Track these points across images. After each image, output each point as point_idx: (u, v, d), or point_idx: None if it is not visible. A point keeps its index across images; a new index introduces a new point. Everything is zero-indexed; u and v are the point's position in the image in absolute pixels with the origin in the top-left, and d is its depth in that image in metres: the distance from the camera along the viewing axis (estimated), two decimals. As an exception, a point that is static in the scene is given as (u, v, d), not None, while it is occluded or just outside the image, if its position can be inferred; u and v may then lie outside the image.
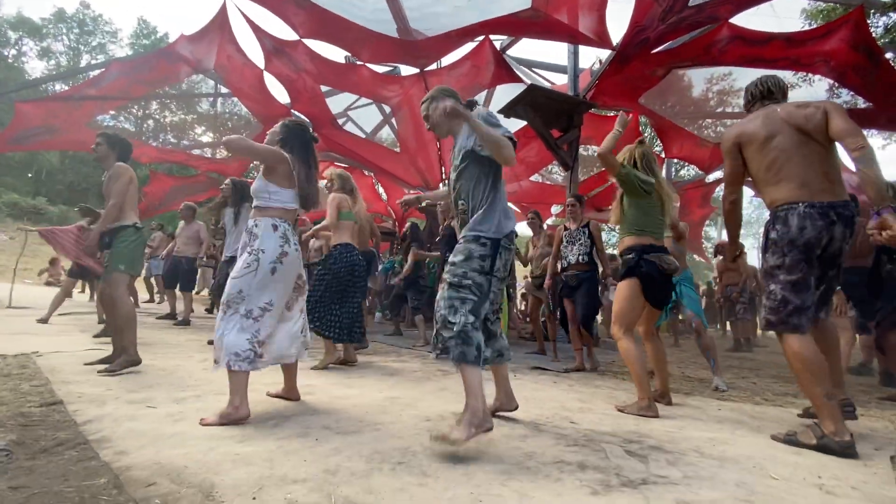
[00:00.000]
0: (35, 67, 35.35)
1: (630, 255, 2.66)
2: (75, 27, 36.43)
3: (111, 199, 3.11)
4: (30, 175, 29.28)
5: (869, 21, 6.55)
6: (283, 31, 6.19)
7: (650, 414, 2.45)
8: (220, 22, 6.16)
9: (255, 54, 6.74)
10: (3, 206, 22.58)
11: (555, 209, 12.59)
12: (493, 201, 1.98)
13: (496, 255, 1.92)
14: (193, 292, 6.98)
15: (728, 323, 7.70)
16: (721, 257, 7.15)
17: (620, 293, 2.69)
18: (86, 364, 3.05)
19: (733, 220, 2.40)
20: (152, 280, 9.71)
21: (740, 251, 6.64)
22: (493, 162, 1.97)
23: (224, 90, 8.80)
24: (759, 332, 8.16)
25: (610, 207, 3.04)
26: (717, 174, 10.83)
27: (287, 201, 2.26)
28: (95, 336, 4.42)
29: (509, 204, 2.07)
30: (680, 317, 6.45)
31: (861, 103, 5.89)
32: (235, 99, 8.83)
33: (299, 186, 2.29)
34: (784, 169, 2.04)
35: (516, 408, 2.27)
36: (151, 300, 10.04)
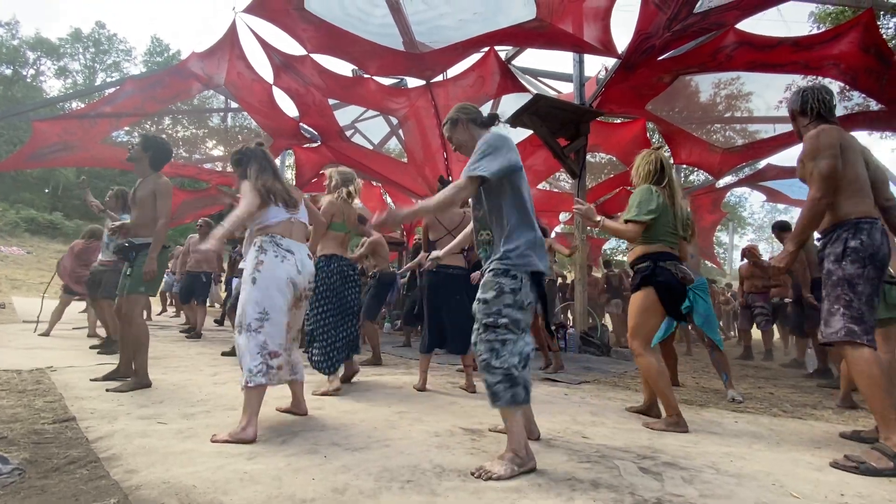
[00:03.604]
0: (53, 86, 36.19)
1: (644, 264, 2.51)
2: (91, 46, 37.41)
3: (161, 217, 2.99)
4: (46, 191, 29.95)
5: (879, 23, 6.48)
6: (291, 46, 6.31)
7: (679, 430, 2.38)
8: (231, 39, 6.29)
9: (265, 69, 6.87)
10: (20, 222, 23.08)
11: (562, 216, 12.56)
12: (518, 229, 1.82)
13: (528, 287, 1.79)
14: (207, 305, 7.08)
15: (741, 331, 7.45)
16: (745, 261, 6.88)
17: (635, 305, 2.52)
18: (92, 380, 3.07)
19: (817, 224, 2.15)
20: (167, 294, 9.86)
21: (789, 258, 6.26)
22: (504, 186, 1.83)
23: (234, 105, 8.95)
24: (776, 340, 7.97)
25: (619, 214, 2.97)
26: (728, 179, 10.74)
27: (268, 219, 2.28)
28: (93, 348, 4.52)
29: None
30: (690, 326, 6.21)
31: (874, 105, 5.81)
32: (245, 113, 8.98)
33: (272, 195, 2.28)
34: (865, 185, 2.13)
35: (538, 437, 2.14)
36: (164, 311, 10.16)
